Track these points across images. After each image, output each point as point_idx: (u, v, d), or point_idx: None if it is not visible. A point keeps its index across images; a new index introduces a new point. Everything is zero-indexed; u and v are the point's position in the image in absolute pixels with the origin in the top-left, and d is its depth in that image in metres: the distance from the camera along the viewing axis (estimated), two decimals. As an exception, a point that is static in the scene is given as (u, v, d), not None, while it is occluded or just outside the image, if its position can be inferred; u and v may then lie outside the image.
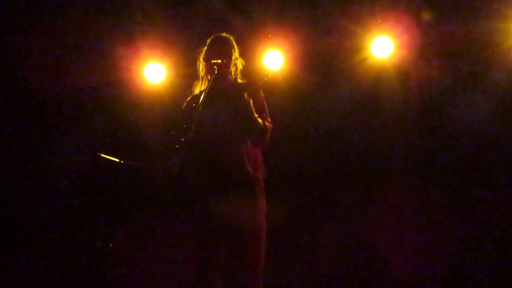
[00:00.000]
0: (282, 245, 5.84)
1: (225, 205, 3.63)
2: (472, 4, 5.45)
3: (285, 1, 5.61)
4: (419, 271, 5.55)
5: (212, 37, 3.94)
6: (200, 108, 3.67)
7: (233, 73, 3.92)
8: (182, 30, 5.76)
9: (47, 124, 5.93)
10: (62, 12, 5.62)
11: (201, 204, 3.70)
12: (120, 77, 5.93)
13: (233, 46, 3.92)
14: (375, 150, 6.00)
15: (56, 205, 5.76)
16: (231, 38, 3.95)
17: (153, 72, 5.93)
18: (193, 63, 4.10)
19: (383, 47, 5.66)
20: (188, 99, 3.97)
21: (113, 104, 5.95)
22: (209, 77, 3.79)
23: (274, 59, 5.76)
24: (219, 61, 3.78)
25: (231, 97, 3.70)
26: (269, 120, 3.84)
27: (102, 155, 4.78)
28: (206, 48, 3.92)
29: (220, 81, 3.81)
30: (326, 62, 5.99)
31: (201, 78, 3.92)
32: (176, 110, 4.24)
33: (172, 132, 3.92)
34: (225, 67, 3.84)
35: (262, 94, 3.83)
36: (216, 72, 3.76)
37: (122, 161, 4.80)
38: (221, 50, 3.84)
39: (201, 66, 3.94)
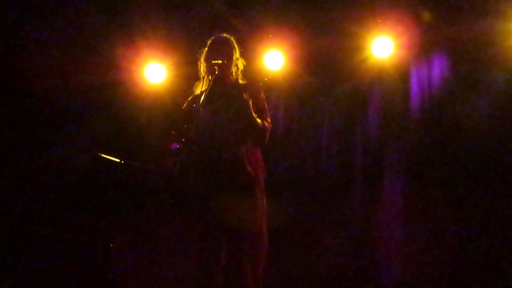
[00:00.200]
0: (283, 245, 5.85)
1: (226, 205, 3.63)
2: (472, 4, 5.45)
3: (286, 1, 5.62)
4: (419, 271, 5.56)
5: (213, 38, 3.95)
6: (200, 109, 3.67)
7: (234, 74, 3.93)
8: (183, 30, 5.76)
9: (47, 124, 5.92)
10: (62, 12, 5.61)
11: (201, 204, 3.71)
12: (121, 77, 5.92)
13: (233, 47, 3.93)
14: (376, 150, 6.00)
15: (56, 205, 5.75)
16: (232, 38, 3.97)
17: (154, 72, 5.94)
18: (193, 63, 4.10)
19: (383, 47, 5.67)
20: (189, 99, 3.98)
21: (113, 104, 5.95)
22: (209, 78, 3.79)
23: (275, 59, 5.77)
24: (220, 61, 3.79)
25: (231, 97, 3.70)
26: (269, 120, 3.85)
27: (102, 155, 4.78)
28: (206, 48, 3.93)
29: (221, 81, 3.82)
30: (327, 62, 6.00)
31: (202, 79, 3.93)
32: (177, 111, 4.24)
33: (173, 132, 3.93)
34: (225, 68, 3.84)
35: (262, 94, 3.84)
36: (216, 72, 3.77)
37: (122, 161, 4.79)
38: (222, 51, 3.85)
39: (202, 67, 3.94)
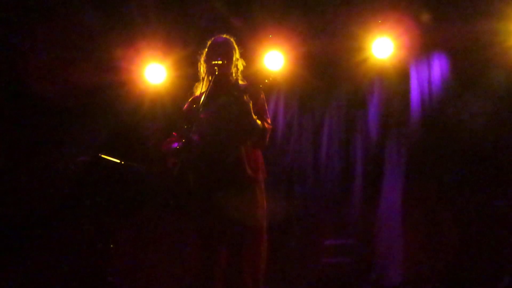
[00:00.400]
0: (283, 245, 5.86)
1: (226, 206, 3.63)
2: (472, 4, 5.45)
3: (286, 2, 5.62)
4: (419, 271, 5.56)
5: (213, 38, 3.95)
6: (200, 110, 3.68)
7: (234, 74, 3.93)
8: (183, 31, 5.76)
9: (47, 124, 5.92)
10: (63, 13, 5.61)
11: (201, 205, 3.71)
12: (121, 78, 5.93)
13: (233, 48, 3.93)
14: (376, 150, 6.00)
15: (56, 206, 5.75)
16: (232, 39, 3.97)
17: (154, 72, 5.94)
18: (193, 64, 4.11)
19: (383, 47, 5.68)
20: (189, 100, 3.98)
21: (113, 104, 5.95)
22: (210, 79, 3.79)
23: (275, 60, 5.78)
24: (220, 62, 3.79)
25: (231, 99, 3.71)
26: (269, 121, 3.85)
27: (102, 155, 4.78)
28: (206, 49, 3.93)
29: (221, 82, 3.82)
30: (327, 63, 6.00)
31: (202, 80, 3.93)
32: (177, 111, 4.25)
33: (173, 133, 3.94)
34: (225, 68, 3.84)
35: (263, 95, 3.84)
36: (216, 73, 3.77)
37: (122, 162, 4.80)
38: (222, 52, 3.85)
39: (202, 68, 3.95)
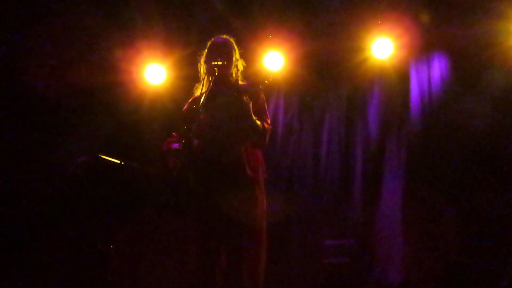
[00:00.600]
0: (283, 245, 5.86)
1: (225, 206, 3.63)
2: (472, 4, 5.45)
3: (285, 2, 5.62)
4: (419, 271, 5.56)
5: (213, 39, 3.95)
6: (200, 110, 3.68)
7: (234, 75, 3.93)
8: (183, 31, 5.77)
9: (48, 125, 5.93)
10: (63, 13, 5.61)
11: (201, 205, 3.71)
12: (121, 78, 5.94)
13: (233, 48, 3.93)
14: (375, 150, 6.01)
15: (56, 206, 5.76)
16: (231, 40, 3.97)
17: (154, 73, 5.94)
18: (193, 64, 4.11)
19: (383, 48, 5.68)
20: (189, 101, 3.98)
21: (113, 105, 5.96)
22: (210, 79, 3.79)
23: (275, 60, 5.78)
24: (220, 63, 3.79)
25: (231, 99, 3.71)
26: (269, 121, 3.85)
27: (102, 156, 4.78)
28: (206, 50, 3.93)
29: (221, 83, 3.82)
30: (327, 63, 6.01)
31: (202, 80, 3.93)
32: (177, 112, 4.25)
33: (174, 134, 3.94)
34: (225, 69, 3.84)
35: (262, 96, 3.84)
36: (216, 74, 3.77)
37: (122, 163, 4.80)
38: (222, 52, 3.85)
39: (202, 68, 3.94)
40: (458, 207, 5.54)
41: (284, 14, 5.61)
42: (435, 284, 5.45)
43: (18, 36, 5.69)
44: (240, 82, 3.93)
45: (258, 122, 3.70)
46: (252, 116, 3.64)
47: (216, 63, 3.78)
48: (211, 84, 3.75)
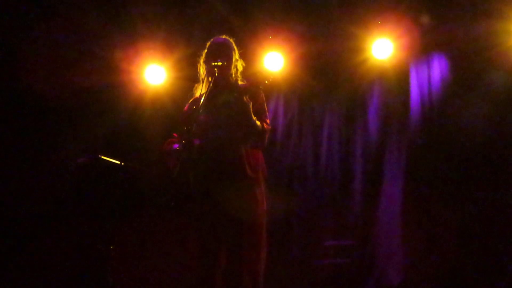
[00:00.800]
0: (283, 245, 5.86)
1: (226, 207, 3.63)
2: (472, 5, 5.45)
3: (285, 3, 5.62)
4: (418, 271, 5.57)
5: (212, 39, 3.95)
6: (200, 111, 3.68)
7: (233, 75, 3.93)
8: (182, 32, 5.76)
9: (48, 126, 5.93)
10: (63, 14, 5.61)
11: (201, 205, 3.71)
12: (121, 79, 5.93)
13: (233, 48, 3.93)
14: (375, 151, 6.01)
15: (56, 207, 5.76)
16: (231, 40, 3.96)
17: (154, 73, 5.94)
18: (193, 65, 4.11)
19: (383, 48, 5.68)
20: (189, 102, 3.99)
21: (113, 105, 5.96)
22: (209, 80, 3.79)
23: (275, 61, 5.78)
24: (219, 63, 3.79)
25: (231, 100, 3.71)
26: (268, 122, 3.84)
27: (102, 157, 4.78)
28: (206, 50, 3.93)
29: (221, 83, 3.82)
30: (327, 64, 6.01)
31: (201, 81, 3.93)
32: (177, 113, 4.25)
33: (174, 134, 3.94)
34: (225, 69, 3.84)
35: (262, 96, 3.84)
36: (216, 74, 3.77)
37: (122, 163, 4.80)
38: (221, 53, 3.84)
39: (202, 69, 3.94)
40: (458, 207, 5.55)
41: (284, 14, 5.61)
42: (435, 284, 5.45)
43: (18, 36, 5.68)
44: (240, 83, 3.93)
45: (258, 123, 3.70)
46: (252, 116, 3.64)
47: (216, 63, 3.78)
48: (211, 84, 3.75)
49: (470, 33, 5.47)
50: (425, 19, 5.48)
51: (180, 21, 5.75)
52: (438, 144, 5.77)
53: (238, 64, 3.96)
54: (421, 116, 5.86)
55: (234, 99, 3.69)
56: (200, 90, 3.89)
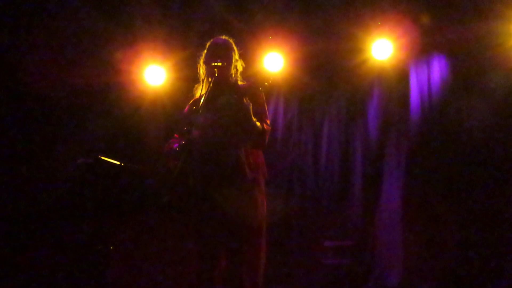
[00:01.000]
0: (283, 245, 5.86)
1: (225, 207, 3.63)
2: (472, 5, 5.45)
3: (285, 4, 5.62)
4: (418, 271, 5.57)
5: (212, 40, 3.94)
6: (200, 111, 3.68)
7: (233, 75, 3.93)
8: (182, 32, 5.77)
9: (47, 126, 5.93)
10: (63, 14, 5.62)
11: (201, 206, 3.71)
12: (121, 80, 5.94)
13: (233, 49, 3.93)
14: (375, 151, 6.01)
15: (56, 207, 5.76)
16: (231, 40, 3.96)
17: (154, 74, 5.95)
18: (193, 65, 4.11)
19: (383, 49, 5.68)
20: (190, 102, 3.99)
21: (113, 106, 5.96)
22: (209, 80, 3.79)
23: (274, 61, 5.78)
24: (219, 63, 3.79)
25: (231, 100, 3.71)
26: (268, 122, 3.84)
27: (102, 157, 4.78)
28: (206, 51, 3.93)
29: (221, 83, 3.82)
30: (326, 64, 6.01)
31: (201, 81, 3.93)
32: (177, 113, 4.25)
33: (175, 135, 3.94)
34: (225, 70, 3.84)
35: (262, 96, 3.84)
36: (216, 75, 3.77)
37: (122, 164, 4.80)
38: (221, 53, 3.84)
39: (202, 69, 3.94)
40: (458, 207, 5.55)
41: (284, 15, 5.61)
42: (435, 284, 5.45)
43: (19, 37, 5.69)
44: (240, 83, 3.93)
45: (258, 123, 3.70)
46: (252, 117, 3.64)
47: (215, 64, 3.78)
48: (211, 85, 3.75)
49: (470, 34, 5.47)
50: (425, 19, 5.48)
51: (180, 22, 5.75)
52: (437, 144, 5.76)
53: (238, 65, 3.96)
54: (421, 116, 5.87)
55: (234, 100, 3.68)
56: (200, 90, 3.88)
